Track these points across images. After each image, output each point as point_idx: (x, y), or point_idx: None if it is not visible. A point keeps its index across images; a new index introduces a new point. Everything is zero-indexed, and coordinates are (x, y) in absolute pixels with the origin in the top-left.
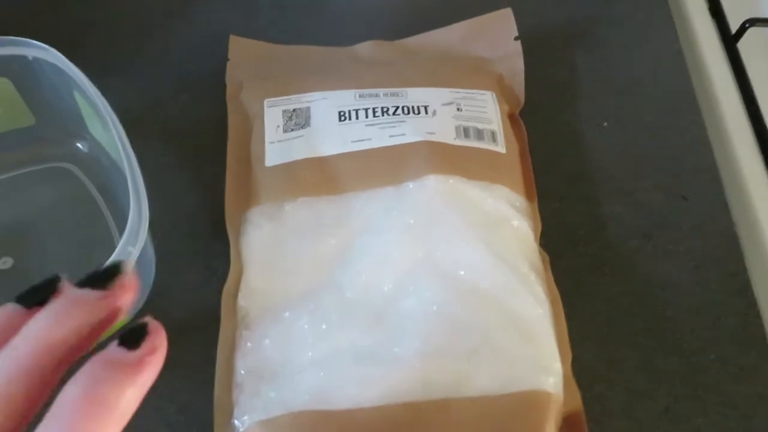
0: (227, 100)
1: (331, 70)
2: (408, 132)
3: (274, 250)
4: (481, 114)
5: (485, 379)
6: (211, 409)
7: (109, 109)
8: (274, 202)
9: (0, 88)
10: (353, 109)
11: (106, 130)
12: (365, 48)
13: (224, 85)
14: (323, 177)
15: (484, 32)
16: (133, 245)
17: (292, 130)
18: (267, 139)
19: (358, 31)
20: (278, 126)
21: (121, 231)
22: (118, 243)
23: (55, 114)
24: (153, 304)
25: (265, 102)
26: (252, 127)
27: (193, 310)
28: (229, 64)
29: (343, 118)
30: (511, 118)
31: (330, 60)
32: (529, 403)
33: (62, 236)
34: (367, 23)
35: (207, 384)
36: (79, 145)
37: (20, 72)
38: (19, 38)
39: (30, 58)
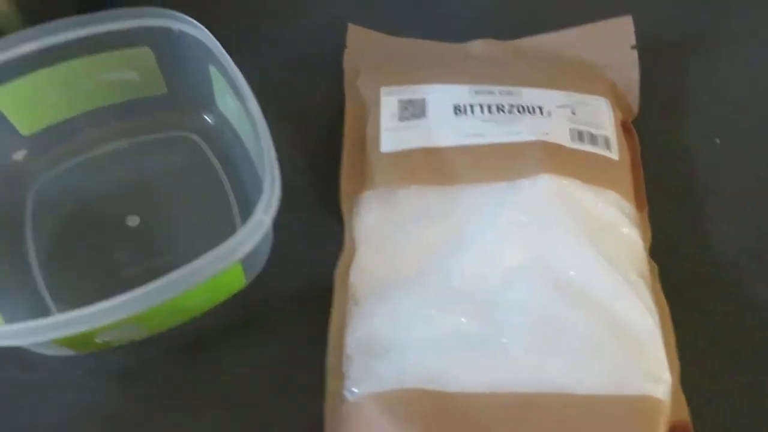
0: (345, 86)
1: (445, 64)
2: (523, 131)
3: (384, 233)
4: (595, 119)
5: (594, 379)
6: (319, 380)
7: (247, 86)
8: (387, 188)
9: (141, 56)
10: (468, 104)
11: (237, 104)
12: (477, 46)
13: (340, 72)
14: (437, 167)
15: (600, 38)
16: (266, 214)
17: (408, 119)
18: (382, 125)
19: (469, 28)
20: (394, 114)
21: (239, 200)
22: (235, 211)
23: (187, 86)
24: (268, 273)
25: (382, 90)
26: (368, 114)
27: (305, 282)
28: (346, 52)
29: (458, 111)
30: (624, 127)
31: (444, 54)
32: (639, 407)
33: (184, 200)
34: (478, 22)
35: (317, 354)
36: (205, 117)
37: (162, 42)
38: (168, 10)
39: (176, 31)
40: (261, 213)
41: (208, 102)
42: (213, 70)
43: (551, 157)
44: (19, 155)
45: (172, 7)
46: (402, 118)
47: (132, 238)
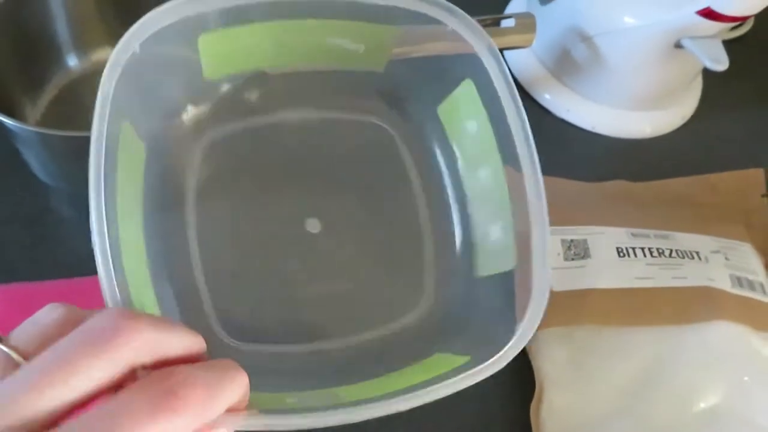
0: None
1: (593, 204)
2: (689, 276)
3: (568, 372)
4: (747, 265)
5: None
6: None
7: (530, 135)
8: (563, 327)
9: (383, 32)
10: (630, 247)
11: (486, 138)
12: (615, 186)
13: None
14: (610, 308)
15: (731, 186)
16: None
17: (572, 259)
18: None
19: (601, 168)
20: (558, 253)
21: (431, 209)
22: (422, 219)
23: (410, 76)
24: None
25: None
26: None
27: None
28: None
29: (621, 254)
30: None
31: (587, 194)
32: None
33: (370, 203)
34: (609, 162)
35: None
36: (411, 114)
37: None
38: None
39: (448, 28)
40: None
41: (427, 101)
42: (468, 84)
43: (721, 304)
44: (192, 109)
45: None
46: (567, 258)
47: (311, 247)
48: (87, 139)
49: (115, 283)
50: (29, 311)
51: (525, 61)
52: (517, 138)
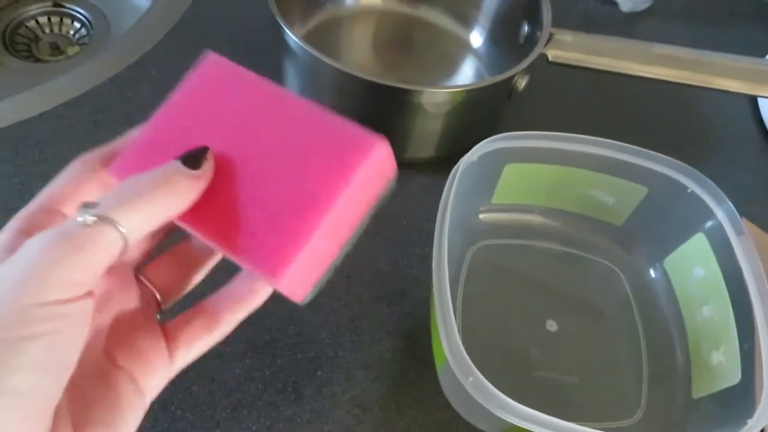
0: None
1: None
2: None
3: None
4: None
5: None
6: None
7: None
8: None
9: (634, 191)
10: None
11: (716, 285)
12: None
13: None
14: None
15: None
16: None
17: None
18: None
19: None
20: None
21: (648, 338)
22: (642, 345)
23: (644, 230)
24: None
25: None
26: None
27: None
28: None
29: None
30: None
31: None
32: None
33: (599, 329)
34: None
35: None
36: (645, 263)
37: (664, 191)
38: (694, 170)
39: (688, 189)
40: None
41: (657, 252)
42: (700, 238)
43: None
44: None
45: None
46: None
47: (549, 342)
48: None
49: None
50: None
51: None
52: (749, 281)
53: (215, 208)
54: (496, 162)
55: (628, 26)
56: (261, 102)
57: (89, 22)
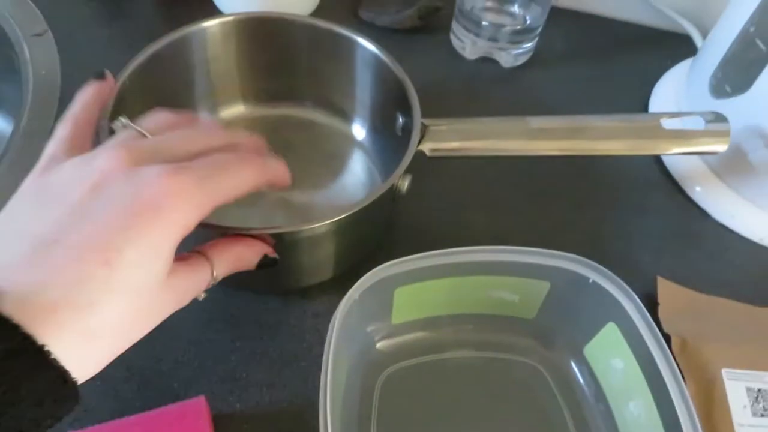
0: (674, 354)
1: None
2: None
3: None
4: None
5: None
6: None
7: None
8: None
9: (536, 287)
10: None
11: (632, 374)
12: None
13: None
14: None
15: None
16: None
17: (762, 415)
18: (735, 420)
19: None
20: (745, 405)
21: None
22: None
23: (559, 322)
24: None
25: (724, 373)
26: (710, 390)
27: None
28: (660, 309)
29: None
30: None
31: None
32: None
33: (522, 419)
34: None
35: None
36: (563, 355)
37: (566, 285)
38: (592, 262)
39: (590, 281)
40: None
41: (574, 342)
42: (612, 327)
43: None
44: (381, 344)
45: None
46: (755, 413)
47: None
48: None
49: None
50: None
51: (686, 157)
52: (665, 376)
53: None
54: (384, 290)
55: (514, 80)
56: None
57: None
